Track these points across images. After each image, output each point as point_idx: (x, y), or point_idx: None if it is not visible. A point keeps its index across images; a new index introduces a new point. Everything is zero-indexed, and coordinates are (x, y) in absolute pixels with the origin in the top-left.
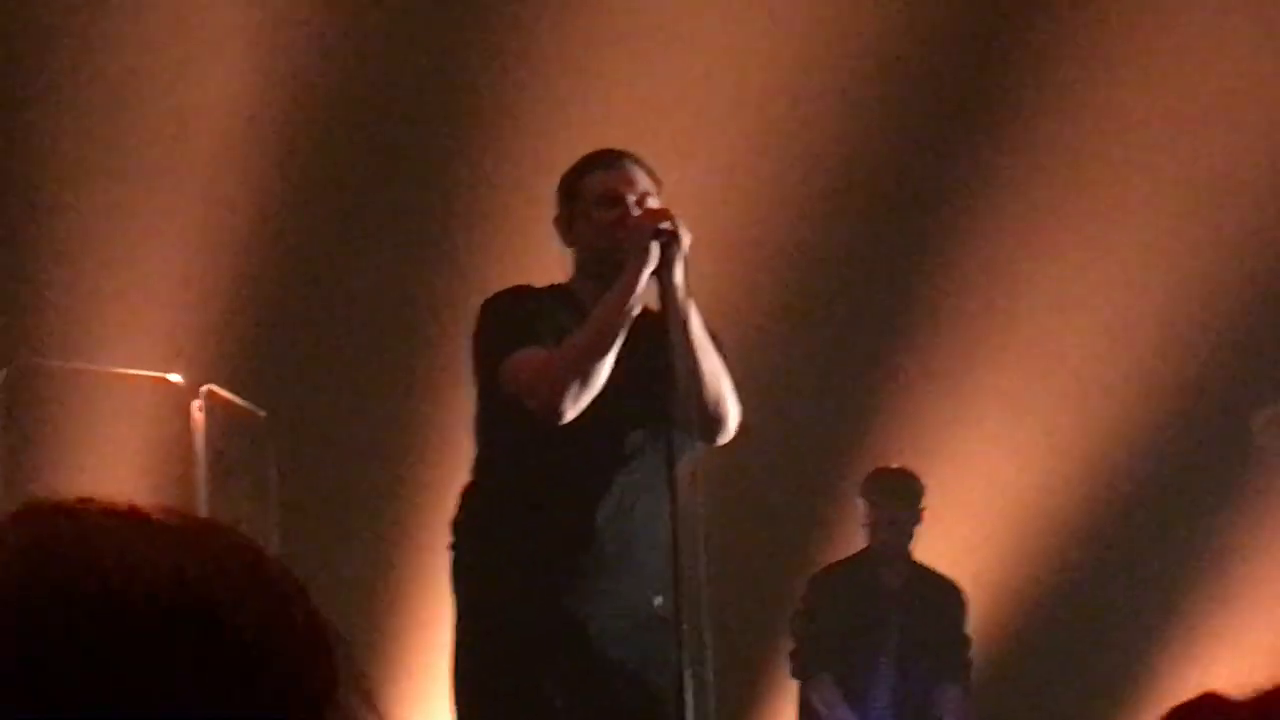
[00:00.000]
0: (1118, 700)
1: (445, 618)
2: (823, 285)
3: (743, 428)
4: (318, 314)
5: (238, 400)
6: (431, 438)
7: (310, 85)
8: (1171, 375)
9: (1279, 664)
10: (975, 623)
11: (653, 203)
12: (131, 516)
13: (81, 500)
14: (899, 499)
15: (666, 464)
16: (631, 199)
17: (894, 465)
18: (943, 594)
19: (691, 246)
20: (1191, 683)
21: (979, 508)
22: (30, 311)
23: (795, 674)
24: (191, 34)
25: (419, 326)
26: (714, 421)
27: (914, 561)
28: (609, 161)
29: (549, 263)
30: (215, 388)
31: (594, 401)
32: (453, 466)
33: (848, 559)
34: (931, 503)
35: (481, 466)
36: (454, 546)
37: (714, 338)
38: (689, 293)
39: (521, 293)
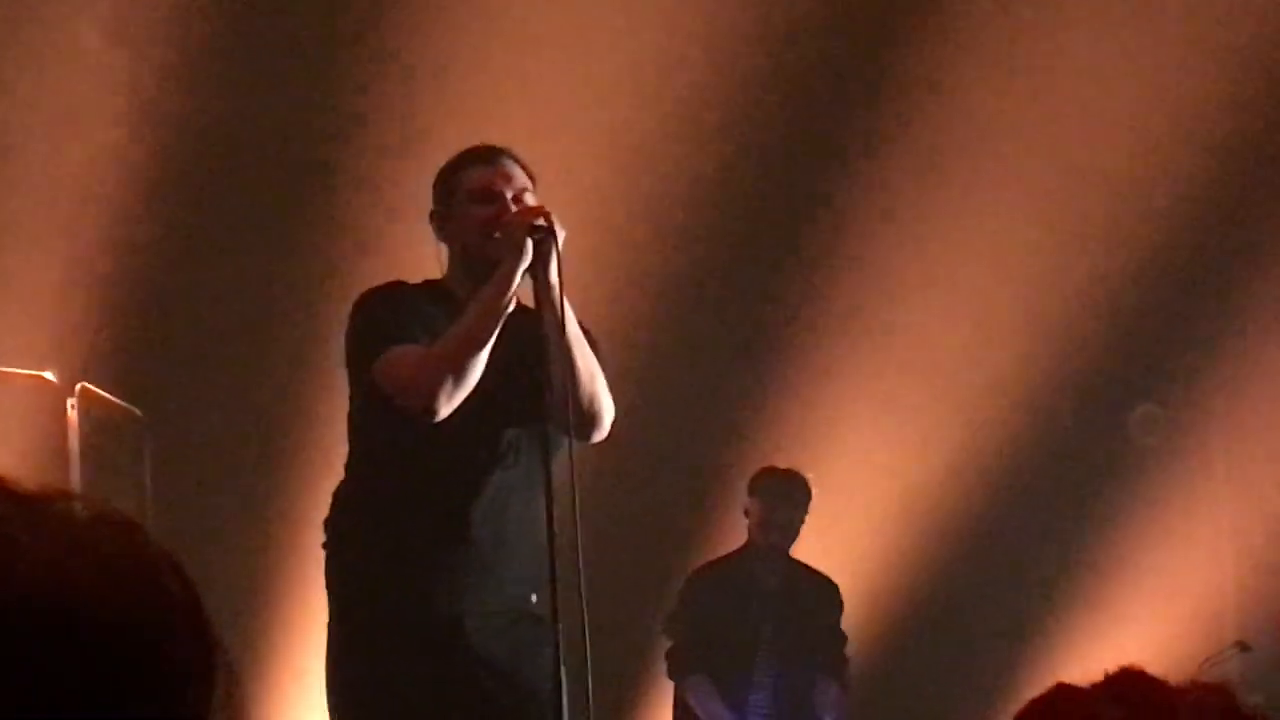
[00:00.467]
0: (992, 698)
1: (321, 618)
2: (697, 285)
3: (617, 425)
4: (194, 312)
5: (113, 398)
6: (307, 437)
7: (180, 79)
8: (1047, 373)
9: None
10: (852, 619)
11: (529, 199)
12: (30, 503)
13: None
14: (793, 502)
15: (542, 462)
16: (508, 195)
17: (781, 466)
18: (818, 591)
19: (567, 244)
20: (1068, 680)
21: (855, 506)
22: None
23: (671, 674)
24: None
25: (295, 325)
26: (589, 419)
27: (791, 559)
28: (486, 157)
29: (423, 258)
30: (90, 386)
31: (468, 399)
32: (328, 465)
33: (723, 558)
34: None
35: (356, 465)
36: (328, 546)
37: (589, 335)
38: (564, 289)
39: (395, 289)
